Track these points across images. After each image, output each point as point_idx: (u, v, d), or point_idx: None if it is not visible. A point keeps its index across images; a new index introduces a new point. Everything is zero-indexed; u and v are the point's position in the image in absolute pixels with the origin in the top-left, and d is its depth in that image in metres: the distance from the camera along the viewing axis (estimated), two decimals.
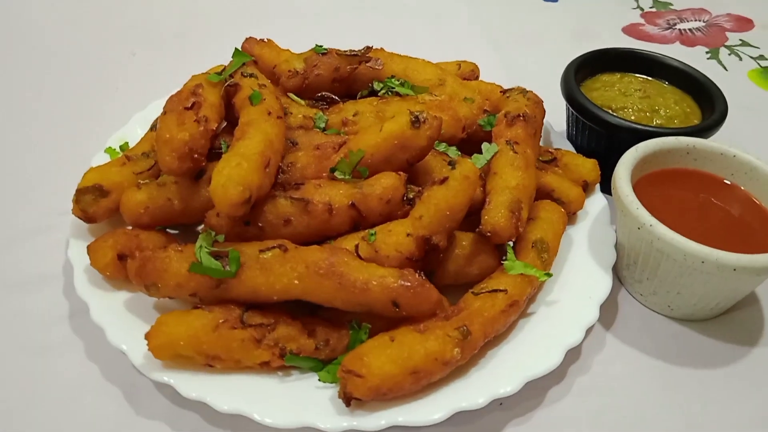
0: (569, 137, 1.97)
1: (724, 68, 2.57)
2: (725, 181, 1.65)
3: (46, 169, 1.95)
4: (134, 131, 1.84)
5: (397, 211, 1.47)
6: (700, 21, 2.85)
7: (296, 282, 1.31)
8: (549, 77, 2.01)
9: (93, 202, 1.51)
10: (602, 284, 1.52)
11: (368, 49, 1.80)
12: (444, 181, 1.42)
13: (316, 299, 1.33)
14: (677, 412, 1.41)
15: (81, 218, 1.52)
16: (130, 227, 1.52)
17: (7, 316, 1.53)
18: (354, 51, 1.79)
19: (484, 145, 1.59)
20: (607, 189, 1.76)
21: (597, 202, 1.74)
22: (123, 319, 1.40)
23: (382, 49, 1.84)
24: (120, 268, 1.43)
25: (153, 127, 1.75)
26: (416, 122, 1.47)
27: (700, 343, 1.55)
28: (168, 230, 1.60)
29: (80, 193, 1.50)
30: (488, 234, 1.44)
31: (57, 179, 1.67)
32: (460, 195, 1.41)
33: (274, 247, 1.34)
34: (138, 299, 1.44)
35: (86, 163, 1.72)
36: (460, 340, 1.30)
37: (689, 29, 2.79)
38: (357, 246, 1.39)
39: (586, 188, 1.74)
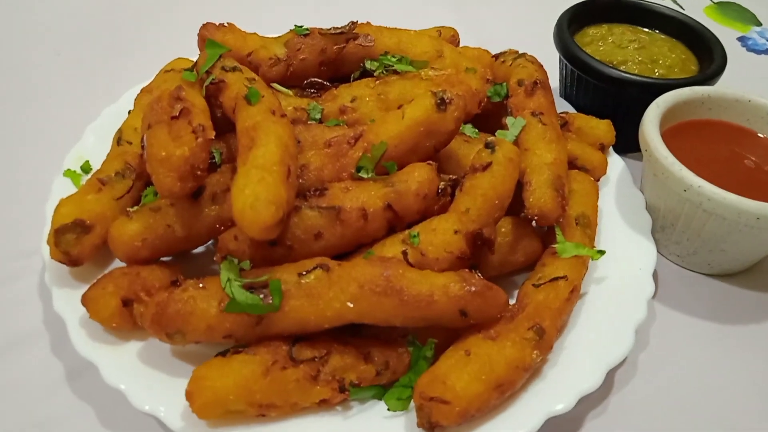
0: (567, 97, 1.86)
1: (681, 7, 2.53)
2: (744, 128, 1.60)
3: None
4: (92, 146, 1.57)
5: (433, 205, 1.32)
6: None
7: (351, 305, 1.14)
8: (522, 35, 1.89)
9: (75, 241, 1.26)
10: (647, 252, 1.44)
11: (354, 24, 1.61)
12: (487, 167, 1.28)
13: (374, 320, 1.16)
14: (745, 374, 1.37)
15: (63, 262, 1.27)
16: (116, 265, 1.29)
17: None
18: (338, 28, 1.59)
19: (509, 120, 1.46)
20: (615, 148, 1.68)
21: (615, 164, 1.65)
22: (142, 376, 1.18)
23: (368, 23, 1.65)
24: (126, 317, 1.21)
25: (118, 141, 1.49)
26: (442, 104, 1.31)
27: (743, 297, 1.52)
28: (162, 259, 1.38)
29: (59, 232, 1.25)
30: (536, 218, 1.32)
31: (12, 215, 1.39)
32: (508, 180, 1.28)
33: (314, 268, 1.16)
34: (152, 348, 1.23)
35: (44, 191, 1.45)
36: (536, 341, 1.18)
37: None
38: (405, 253, 1.23)
39: (603, 151, 1.65)
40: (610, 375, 1.34)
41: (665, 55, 1.79)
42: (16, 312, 1.38)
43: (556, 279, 1.28)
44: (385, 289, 1.14)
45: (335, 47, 1.58)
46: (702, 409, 1.31)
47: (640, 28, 1.90)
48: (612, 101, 1.73)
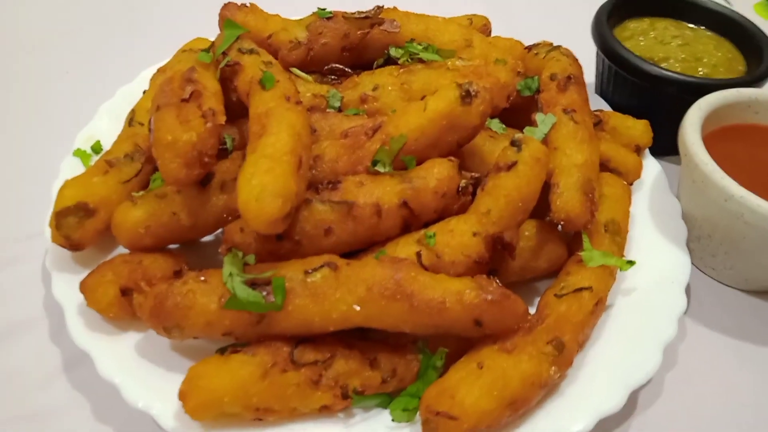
0: (603, 94, 1.76)
1: (729, 2, 2.39)
2: None
3: (2, 185, 1.59)
4: (104, 126, 1.52)
5: (453, 204, 1.24)
6: None
7: (357, 308, 1.07)
8: (559, 26, 1.79)
9: (77, 225, 1.21)
10: (681, 265, 1.35)
11: (380, 9, 1.53)
12: (512, 166, 1.20)
13: (382, 325, 1.10)
14: None
15: (64, 246, 1.22)
16: (127, 251, 1.24)
17: None
18: (363, 12, 1.52)
19: (539, 116, 1.37)
20: (652, 150, 1.58)
21: (651, 167, 1.55)
22: (138, 370, 1.13)
23: (395, 8, 1.57)
24: (125, 306, 1.16)
25: (130, 121, 1.44)
26: (467, 97, 1.23)
27: None
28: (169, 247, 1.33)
29: (60, 215, 1.20)
30: (562, 222, 1.23)
31: (18, 195, 1.34)
32: (533, 182, 1.20)
33: (321, 267, 1.10)
34: (151, 340, 1.17)
35: (52, 170, 1.40)
36: (555, 356, 1.10)
37: None
38: (419, 254, 1.15)
39: (638, 152, 1.55)
40: (633, 395, 1.25)
41: (710, 54, 1.68)
42: (17, 296, 1.34)
43: (580, 290, 1.20)
44: (394, 293, 1.07)
45: (359, 32, 1.50)
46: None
47: (684, 23, 1.79)
48: (650, 100, 1.63)
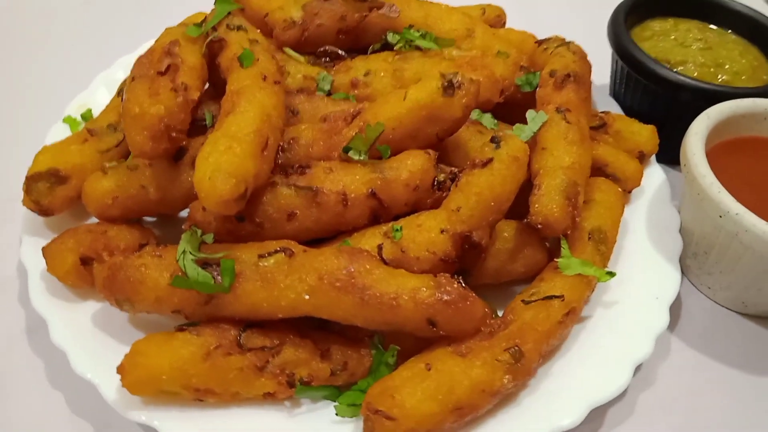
0: (616, 96, 1.68)
1: None
2: None
3: None
4: (98, 96, 1.53)
5: (426, 198, 1.20)
6: None
7: (307, 297, 1.04)
8: (578, 22, 1.70)
9: (48, 191, 1.22)
10: (669, 281, 1.27)
11: None
12: (487, 163, 1.14)
13: (332, 317, 1.06)
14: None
15: (34, 210, 1.23)
16: (93, 220, 1.24)
17: None
18: None
19: (530, 114, 1.31)
20: (661, 159, 1.49)
21: (654, 175, 1.47)
22: (91, 341, 1.14)
23: None
24: (84, 275, 1.16)
25: (120, 92, 1.44)
26: (449, 88, 1.18)
27: None
28: (146, 218, 1.33)
29: (31, 180, 1.21)
30: (539, 226, 1.17)
31: (8, 156, 1.36)
32: (508, 181, 1.14)
33: (277, 252, 1.07)
34: (109, 312, 1.16)
35: (42, 135, 1.41)
36: (511, 364, 1.05)
37: None
38: (380, 247, 1.12)
39: (642, 159, 1.46)
40: (602, 412, 1.20)
41: (733, 60, 1.58)
42: None
43: (550, 298, 1.14)
44: (345, 285, 1.03)
45: (356, 15, 1.46)
46: None
47: (711, 26, 1.68)
48: (662, 105, 1.54)
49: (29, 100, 1.74)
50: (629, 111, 1.57)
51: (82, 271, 1.15)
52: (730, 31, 1.67)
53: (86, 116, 1.47)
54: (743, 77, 1.55)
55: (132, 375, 1.01)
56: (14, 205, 1.32)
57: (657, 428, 1.19)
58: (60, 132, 1.43)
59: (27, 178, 1.21)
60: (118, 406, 1.05)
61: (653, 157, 1.50)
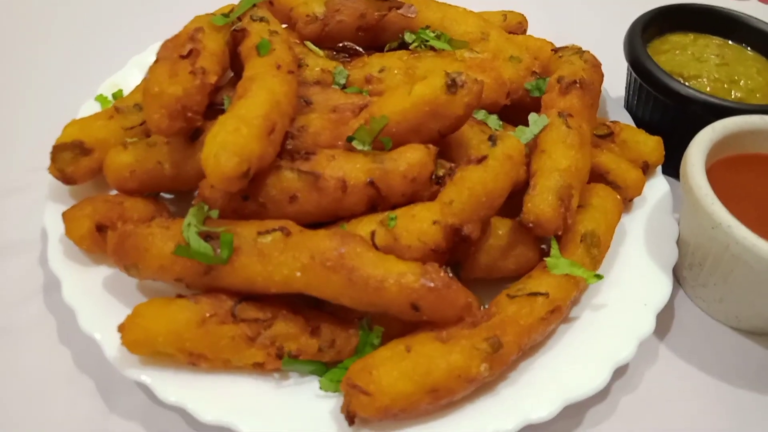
0: (628, 107, 1.70)
1: None
2: None
3: (30, 119, 1.73)
4: (131, 77, 1.62)
5: (424, 191, 1.24)
6: None
7: (298, 274, 1.10)
8: (606, 34, 1.73)
9: (72, 160, 1.30)
10: (660, 289, 1.29)
11: None
12: (482, 160, 1.19)
13: (321, 295, 1.12)
14: None
15: (58, 179, 1.32)
16: (114, 192, 1.32)
17: None
18: None
19: (532, 117, 1.35)
20: (670, 172, 1.51)
21: (657, 186, 1.49)
22: (99, 302, 1.21)
23: None
24: (99, 241, 1.24)
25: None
26: (452, 86, 1.22)
27: None
28: (163, 195, 1.41)
29: (58, 150, 1.30)
30: (530, 225, 1.21)
31: (41, 130, 1.46)
32: (501, 178, 1.18)
33: (275, 230, 1.13)
34: (119, 278, 1.24)
35: (74, 112, 1.51)
36: (489, 353, 1.09)
37: None
38: (373, 233, 1.17)
39: (647, 170, 1.49)
40: (582, 411, 1.23)
41: (750, 77, 1.58)
42: (21, 220, 1.46)
43: (535, 294, 1.18)
44: (335, 265, 1.09)
45: (376, 13, 1.52)
46: None
47: (731, 42, 1.69)
48: (672, 118, 1.56)
49: (67, 78, 1.84)
50: (640, 123, 1.60)
51: (97, 237, 1.23)
52: (749, 48, 1.67)
53: (117, 96, 1.56)
54: (758, 95, 1.56)
55: (131, 334, 1.08)
56: (44, 175, 1.41)
57: (635, 430, 1.21)
58: (91, 109, 1.52)
59: (54, 147, 1.30)
60: (117, 364, 1.12)
61: (659, 169, 1.52)
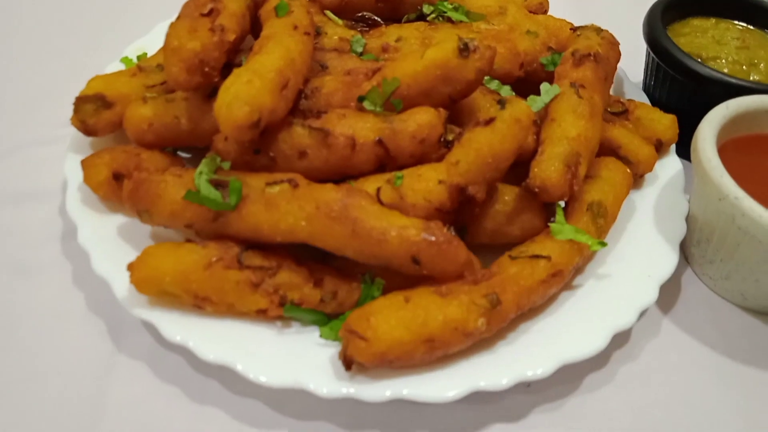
0: (646, 89, 1.70)
1: None
2: None
3: (58, 78, 1.79)
4: (156, 42, 1.65)
5: (432, 153, 1.26)
6: None
7: (303, 223, 1.13)
8: (631, 19, 1.73)
9: (94, 112, 1.35)
10: (665, 261, 1.29)
11: None
12: (490, 122, 1.21)
13: (325, 245, 1.15)
14: (736, 417, 1.20)
15: (80, 129, 1.37)
16: (133, 145, 1.36)
17: None
18: None
19: (544, 86, 1.36)
20: (685, 153, 1.50)
21: (671, 165, 1.49)
22: (112, 246, 1.25)
23: None
24: (115, 189, 1.28)
25: None
26: (464, 50, 1.24)
27: None
28: (179, 153, 1.45)
29: (80, 101, 1.35)
30: (536, 190, 1.22)
31: (68, 89, 1.52)
32: (507, 140, 1.20)
33: (283, 181, 1.16)
34: (133, 225, 1.29)
35: (100, 72, 1.56)
36: (487, 309, 1.11)
37: None
38: (379, 189, 1.19)
39: (660, 148, 1.48)
40: (580, 376, 1.23)
41: None
42: (44, 170, 1.52)
43: (537, 257, 1.19)
44: (339, 216, 1.11)
45: None
46: None
47: (754, 28, 1.68)
48: (688, 98, 1.56)
49: (97, 43, 1.91)
50: (657, 104, 1.59)
51: (114, 185, 1.28)
52: None
53: (141, 58, 1.61)
54: None
55: (140, 272, 1.12)
56: (68, 131, 1.47)
57: (632, 397, 1.21)
58: (117, 69, 1.56)
59: (76, 99, 1.35)
60: (126, 304, 1.16)
61: (672, 148, 1.51)
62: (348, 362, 1.07)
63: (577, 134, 1.27)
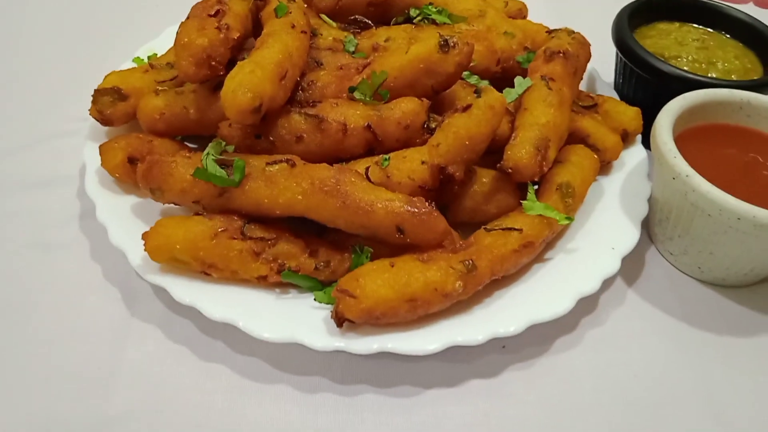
0: (616, 87, 1.85)
1: None
2: None
3: (75, 77, 1.95)
4: (165, 44, 1.80)
5: (416, 138, 1.40)
6: None
7: (300, 197, 1.26)
8: (607, 27, 1.88)
9: (110, 104, 1.49)
10: (628, 236, 1.43)
11: None
12: (467, 108, 1.34)
13: (319, 217, 1.28)
14: (693, 376, 1.32)
15: (97, 119, 1.51)
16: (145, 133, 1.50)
17: (22, 213, 1.55)
18: None
19: (517, 79, 1.50)
20: (649, 143, 1.64)
21: (636, 154, 1.63)
22: (127, 221, 1.39)
23: None
24: (130, 171, 1.42)
25: None
26: (445, 46, 1.39)
27: (728, 310, 1.44)
28: (187, 144, 1.58)
29: (99, 93, 1.49)
30: (509, 170, 1.36)
31: (86, 87, 1.66)
32: (483, 125, 1.33)
33: (281, 161, 1.30)
34: (145, 204, 1.43)
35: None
36: (463, 273, 1.24)
37: None
38: (367, 169, 1.33)
39: (626, 138, 1.63)
40: (551, 340, 1.36)
41: (727, 60, 1.72)
42: (64, 159, 1.66)
43: (509, 229, 1.32)
44: (331, 190, 1.25)
45: None
46: (628, 395, 1.28)
47: (715, 31, 1.83)
48: (653, 94, 1.70)
49: (113, 46, 2.07)
50: (626, 99, 1.73)
51: (128, 168, 1.41)
52: (729, 36, 1.81)
53: (151, 58, 1.75)
54: (733, 76, 1.69)
55: (153, 241, 1.25)
56: (86, 124, 1.61)
57: (597, 358, 1.33)
58: (129, 67, 1.71)
59: (95, 91, 1.49)
60: (140, 270, 1.29)
61: (639, 138, 1.66)
62: (340, 319, 1.20)
63: (546, 121, 1.41)
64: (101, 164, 1.43)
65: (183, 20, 1.75)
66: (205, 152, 1.31)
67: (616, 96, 1.77)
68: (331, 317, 1.22)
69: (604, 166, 1.59)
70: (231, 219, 1.29)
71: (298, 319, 1.24)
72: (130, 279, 1.38)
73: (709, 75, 1.69)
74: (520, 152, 1.35)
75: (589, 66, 1.69)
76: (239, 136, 1.37)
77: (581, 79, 1.61)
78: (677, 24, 1.85)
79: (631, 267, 1.49)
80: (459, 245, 1.30)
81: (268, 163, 1.30)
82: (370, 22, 1.71)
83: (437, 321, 1.25)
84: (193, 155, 1.34)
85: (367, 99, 1.41)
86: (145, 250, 1.26)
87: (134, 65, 1.73)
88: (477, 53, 1.52)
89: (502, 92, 1.57)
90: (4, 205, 1.56)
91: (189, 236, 1.25)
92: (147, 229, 1.32)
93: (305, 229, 1.34)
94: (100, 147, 1.44)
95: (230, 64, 1.45)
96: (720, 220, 1.31)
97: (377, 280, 1.19)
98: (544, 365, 1.32)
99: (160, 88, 1.50)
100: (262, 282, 1.30)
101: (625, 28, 1.73)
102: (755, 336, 1.40)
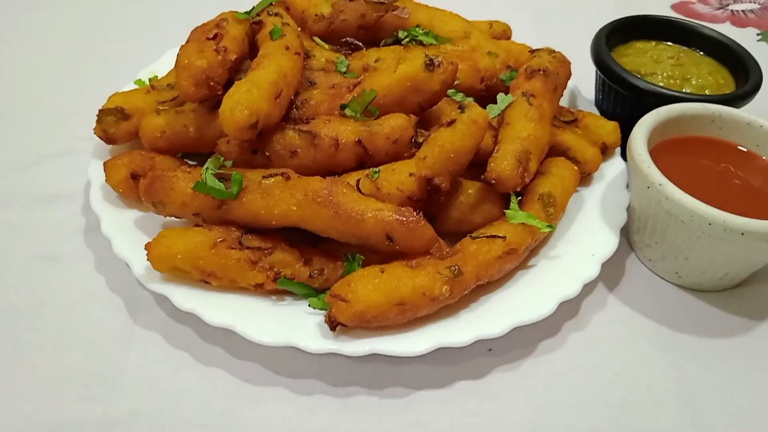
0: (596, 103, 1.94)
1: None
2: (750, 151, 1.59)
3: (81, 98, 2.04)
4: (166, 66, 1.89)
5: (404, 152, 1.48)
6: (754, 3, 2.73)
7: (294, 208, 1.33)
8: (587, 48, 1.97)
9: (114, 123, 1.57)
10: (607, 243, 1.50)
11: None
12: (451, 123, 1.42)
13: (313, 227, 1.35)
14: (671, 377, 1.38)
15: (102, 138, 1.58)
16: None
17: (30, 226, 1.62)
18: None
19: (500, 96, 1.58)
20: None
21: (615, 166, 1.71)
22: (130, 234, 1.46)
23: None
24: (133, 187, 1.49)
25: None
26: (430, 65, 1.47)
27: (705, 314, 1.51)
28: (187, 161, 1.66)
29: (103, 113, 1.57)
30: (493, 181, 1.43)
31: (90, 108, 1.74)
32: (467, 138, 1.41)
33: (277, 174, 1.37)
34: (148, 218, 1.50)
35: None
36: (450, 278, 1.31)
37: (742, 10, 2.68)
38: (358, 181, 1.40)
39: (605, 151, 1.71)
40: (534, 342, 1.42)
41: (701, 77, 1.81)
42: (70, 176, 1.74)
43: (493, 236, 1.39)
44: (324, 201, 1.32)
45: (375, 14, 1.78)
46: (609, 395, 1.34)
47: (688, 49, 1.92)
48: (630, 109, 1.78)
49: (115, 68, 2.16)
50: (605, 115, 1.82)
51: (131, 184, 1.49)
52: (703, 53, 1.90)
53: (152, 80, 1.83)
54: (707, 91, 1.78)
55: (155, 251, 1.32)
56: (90, 143, 1.68)
57: (579, 360, 1.39)
58: (131, 89, 1.79)
59: (99, 111, 1.57)
60: (143, 280, 1.36)
61: (618, 150, 1.74)
62: (333, 323, 1.26)
63: (527, 135, 1.48)
64: (105, 180, 1.50)
65: (183, 44, 1.86)
66: (205, 167, 1.39)
67: (596, 111, 1.86)
68: (325, 321, 1.28)
69: (585, 178, 1.67)
70: (229, 230, 1.36)
71: (294, 323, 1.31)
72: (133, 289, 1.45)
73: (684, 90, 1.78)
74: (502, 164, 1.43)
75: (570, 83, 1.78)
76: (237, 151, 1.44)
77: (561, 95, 1.70)
78: (653, 43, 1.95)
79: (611, 273, 1.56)
80: (446, 252, 1.37)
81: (264, 177, 1.37)
82: (360, 44, 1.79)
83: (425, 324, 1.32)
84: (193, 170, 1.41)
85: (358, 116, 1.49)
86: (147, 260, 1.32)
87: (136, 87, 1.81)
88: (461, 72, 1.60)
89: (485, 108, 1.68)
90: (13, 218, 1.64)
91: (189, 246, 1.32)
92: (149, 240, 1.39)
93: (300, 239, 1.41)
94: (105, 164, 1.51)
95: (228, 84, 1.53)
96: (693, 225, 1.38)
97: (368, 285, 1.26)
98: (529, 367, 1.39)
99: (161, 107, 1.58)
100: (259, 289, 1.36)
101: (603, 47, 1.82)
102: (731, 338, 1.46)
